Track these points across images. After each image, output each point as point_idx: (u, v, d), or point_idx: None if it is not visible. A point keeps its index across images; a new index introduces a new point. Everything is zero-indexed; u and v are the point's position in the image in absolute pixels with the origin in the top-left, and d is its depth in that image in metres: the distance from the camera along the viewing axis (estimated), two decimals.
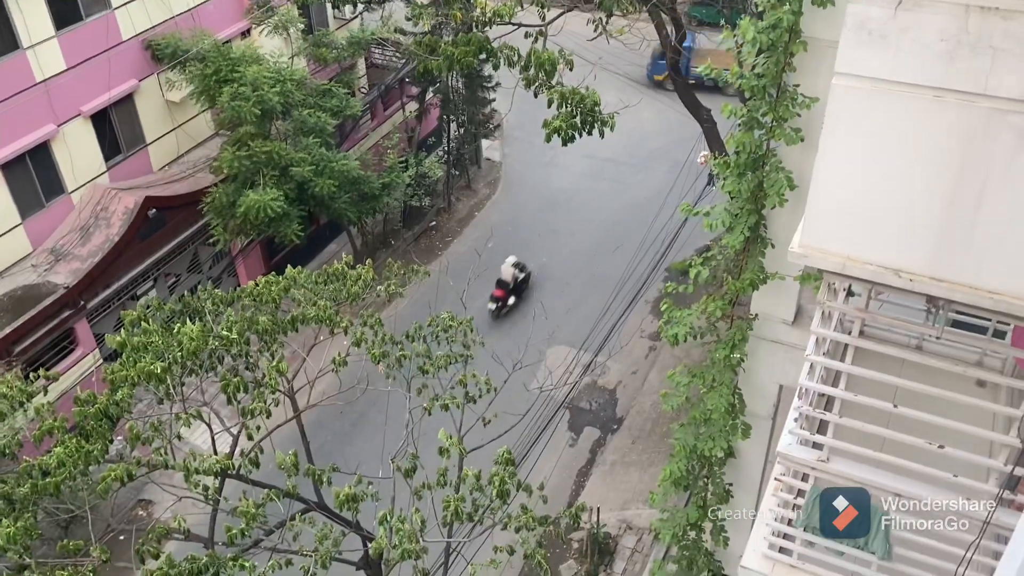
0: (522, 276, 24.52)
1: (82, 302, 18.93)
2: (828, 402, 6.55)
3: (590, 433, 21.39)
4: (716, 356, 10.03)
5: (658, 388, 20.29)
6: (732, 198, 9.18)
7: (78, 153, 19.34)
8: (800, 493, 6.70)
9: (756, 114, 8.46)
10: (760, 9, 8.06)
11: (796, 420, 6.52)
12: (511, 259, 24.51)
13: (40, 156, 18.65)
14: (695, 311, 9.86)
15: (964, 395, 5.90)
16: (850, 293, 6.29)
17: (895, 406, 5.97)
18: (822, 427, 6.54)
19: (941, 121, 4.83)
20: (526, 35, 17.82)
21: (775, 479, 6.86)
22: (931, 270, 5.21)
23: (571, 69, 16.80)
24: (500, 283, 24.03)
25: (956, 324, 6.58)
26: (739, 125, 8.85)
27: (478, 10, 16.80)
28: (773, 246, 9.33)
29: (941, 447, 5.86)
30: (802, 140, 8.35)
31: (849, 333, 6.20)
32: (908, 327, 6.38)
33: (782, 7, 7.65)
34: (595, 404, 22.11)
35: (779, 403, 10.50)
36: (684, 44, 29.17)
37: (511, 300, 24.09)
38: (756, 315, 9.96)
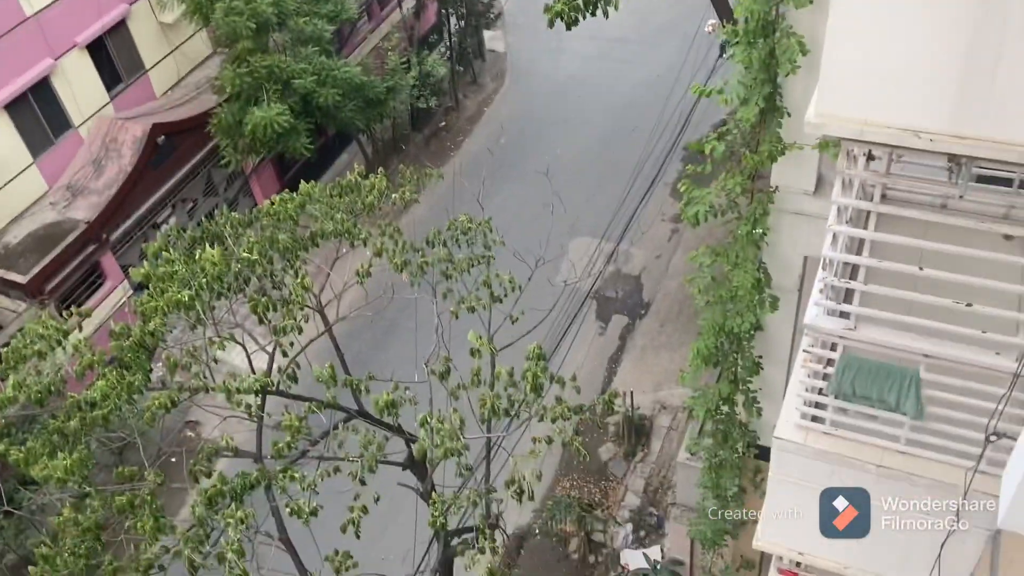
0: None
1: (105, 235, 19.09)
2: (854, 271, 6.51)
3: (618, 320, 21.58)
4: (739, 232, 9.97)
5: (683, 270, 20.29)
6: (745, 68, 8.93)
7: (79, 86, 19.12)
8: (830, 362, 6.74)
9: None
10: None
11: (821, 291, 6.49)
12: None
13: (42, 92, 18.47)
14: (715, 189, 9.75)
15: (991, 251, 5.84)
16: (871, 158, 6.14)
17: (920, 269, 5.92)
18: (848, 296, 6.51)
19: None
20: None
21: (804, 351, 6.89)
22: (952, 128, 5.06)
23: None
24: None
25: (980, 180, 6.44)
26: None
27: None
28: (789, 115, 9.13)
29: (969, 305, 5.83)
30: (811, 2, 8.05)
31: (871, 199, 6.09)
32: (931, 188, 6.26)
33: None
34: (621, 292, 22.22)
35: (804, 275, 10.47)
36: None
37: None
38: (776, 187, 9.83)
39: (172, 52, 21.27)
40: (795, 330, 11.04)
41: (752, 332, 10.44)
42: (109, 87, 19.92)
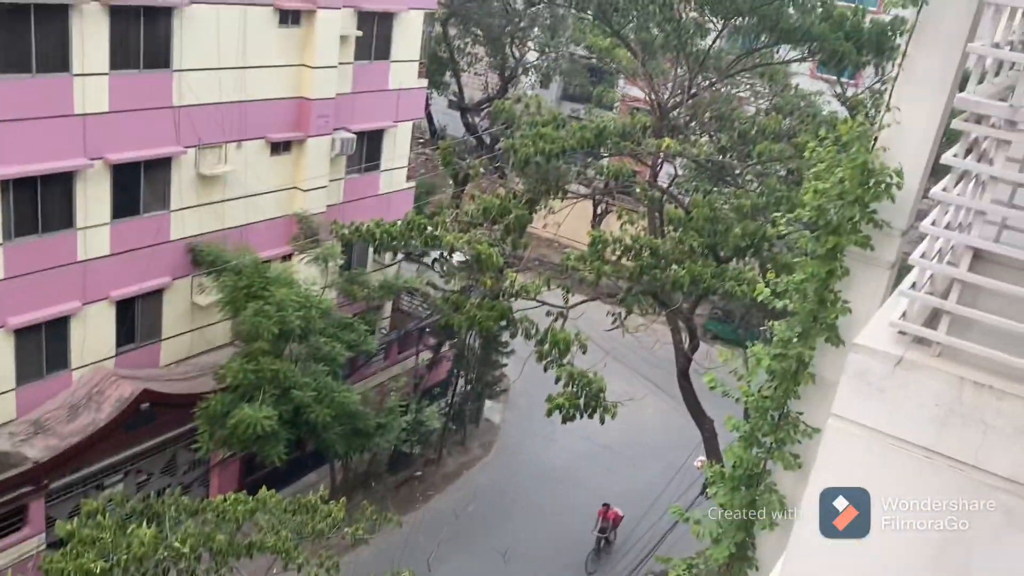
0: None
1: (45, 481, 18.33)
2: None
3: None
4: None
5: None
6: (724, 510, 9.06)
7: (92, 334, 19.67)
8: None
9: (758, 433, 8.57)
10: (775, 337, 8.42)
11: None
12: None
13: (56, 328, 18.97)
14: None
15: None
16: None
17: None
18: None
19: (931, 483, 4.84)
20: (547, 313, 18.59)
21: None
22: None
23: (584, 352, 17.30)
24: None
25: None
26: (738, 440, 8.94)
27: (507, 282, 17.69)
28: (757, 568, 9.04)
29: None
30: (799, 467, 8.38)
31: None
32: None
33: (799, 344, 7.99)
34: None
35: None
36: None
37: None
38: None
39: (192, 331, 22.11)
40: None
41: None
42: (120, 343, 20.43)
